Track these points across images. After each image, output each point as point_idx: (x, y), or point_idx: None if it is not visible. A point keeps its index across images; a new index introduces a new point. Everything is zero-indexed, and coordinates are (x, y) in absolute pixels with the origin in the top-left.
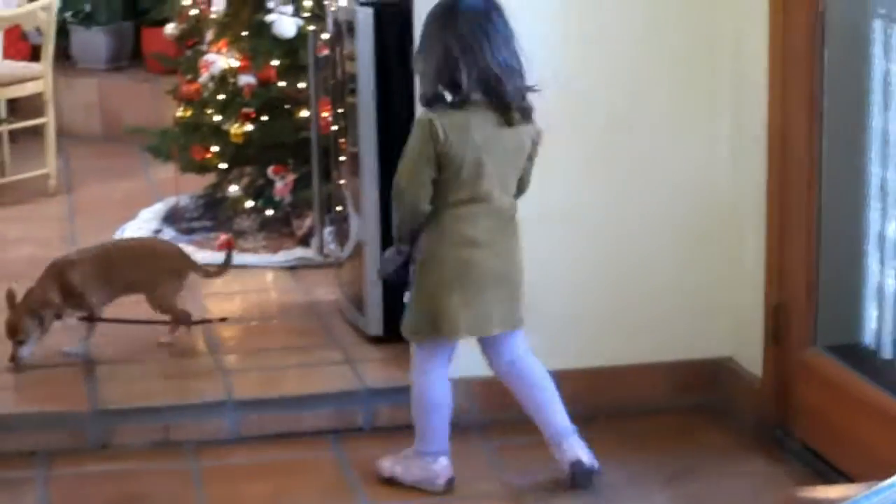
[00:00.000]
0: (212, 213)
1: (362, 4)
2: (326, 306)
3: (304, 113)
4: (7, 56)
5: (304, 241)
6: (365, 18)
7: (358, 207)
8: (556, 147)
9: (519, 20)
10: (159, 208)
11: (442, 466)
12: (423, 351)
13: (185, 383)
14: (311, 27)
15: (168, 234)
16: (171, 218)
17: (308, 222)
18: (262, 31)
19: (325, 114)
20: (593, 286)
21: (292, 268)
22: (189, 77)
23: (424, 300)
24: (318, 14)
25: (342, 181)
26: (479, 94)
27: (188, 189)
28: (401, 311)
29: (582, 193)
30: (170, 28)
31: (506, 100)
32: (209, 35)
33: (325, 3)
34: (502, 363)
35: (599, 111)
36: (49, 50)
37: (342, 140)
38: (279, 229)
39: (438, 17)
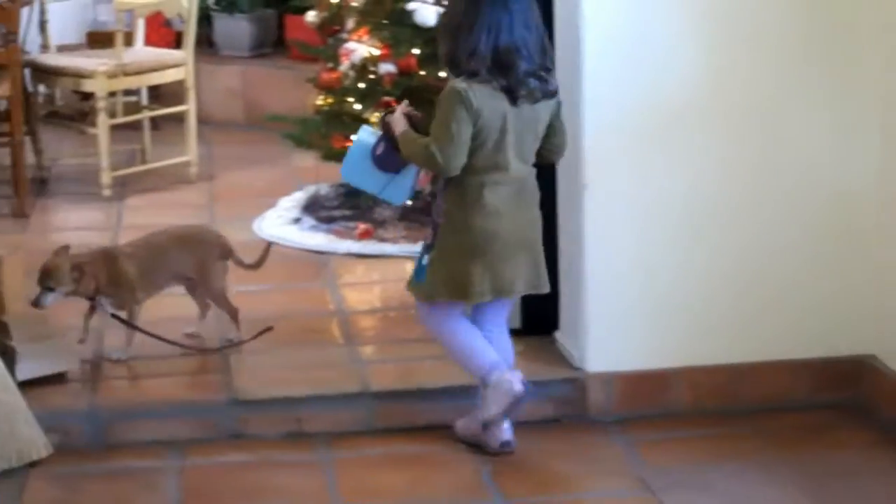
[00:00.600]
0: (352, 203)
1: None
2: None
3: None
4: (150, 43)
5: None
6: None
7: None
8: (683, 137)
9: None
10: (299, 197)
11: (501, 430)
12: (437, 310)
13: (319, 373)
14: None
15: (308, 222)
16: (310, 207)
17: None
18: (404, 19)
19: None
20: (730, 280)
21: None
22: (330, 65)
23: (447, 265)
24: None
25: None
26: (489, 69)
27: (328, 178)
28: (542, 303)
29: (715, 185)
30: (311, 16)
31: (513, 81)
32: (350, 23)
33: None
34: (483, 328)
35: (731, 101)
36: (190, 37)
37: None
38: (420, 219)
39: None
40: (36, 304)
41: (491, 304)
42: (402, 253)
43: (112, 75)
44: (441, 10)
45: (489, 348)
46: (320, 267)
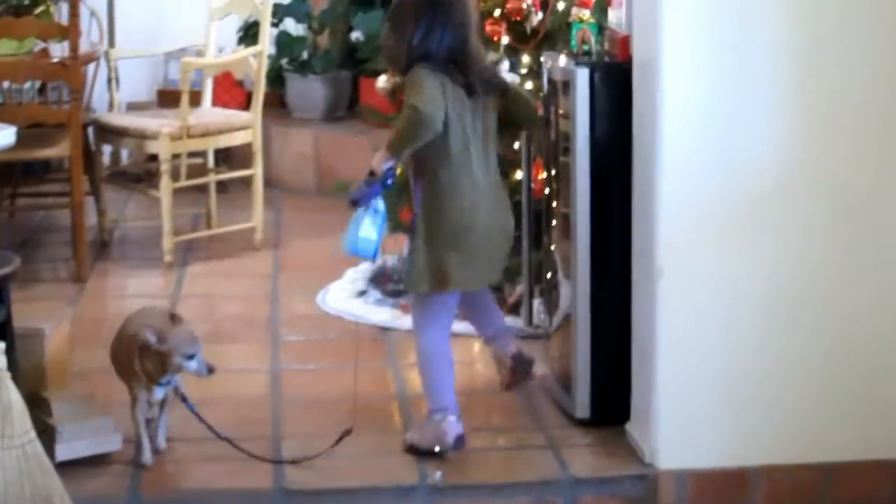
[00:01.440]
0: None
1: (578, 64)
2: (533, 382)
3: (520, 175)
4: (221, 102)
5: (515, 310)
6: (582, 79)
7: (568, 275)
8: (766, 220)
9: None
10: (366, 268)
11: (450, 424)
12: (422, 305)
13: (374, 463)
14: (529, 84)
15: (373, 296)
16: (377, 279)
17: (519, 290)
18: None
19: (540, 176)
20: (815, 372)
21: None
22: None
23: (429, 253)
24: (536, 70)
25: (553, 247)
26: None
27: (396, 250)
28: (613, 392)
29: (800, 271)
30: (381, 81)
31: (469, 76)
32: None
33: (542, 59)
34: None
35: (821, 182)
36: (258, 99)
37: (554, 204)
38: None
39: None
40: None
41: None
42: (468, 331)
43: (176, 137)
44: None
45: (452, 385)
46: (384, 344)
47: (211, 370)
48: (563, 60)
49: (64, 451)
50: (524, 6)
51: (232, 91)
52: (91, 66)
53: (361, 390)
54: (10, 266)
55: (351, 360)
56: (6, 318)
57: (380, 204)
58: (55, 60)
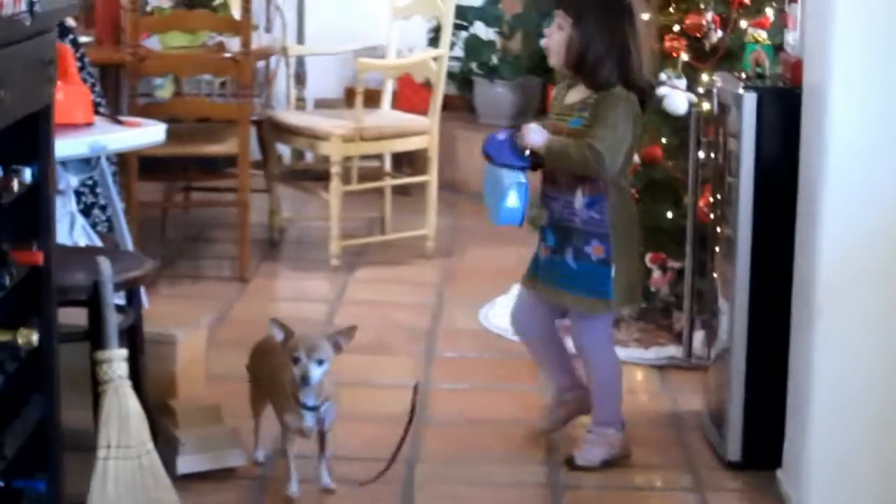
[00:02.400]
0: None
1: (746, 88)
2: (689, 417)
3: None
4: (408, 104)
5: (680, 339)
6: (749, 104)
7: (728, 304)
8: None
9: None
10: None
11: (623, 437)
12: (603, 322)
13: (509, 495)
14: (706, 105)
15: None
16: None
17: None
18: (652, 105)
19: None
20: None
21: (662, 367)
22: None
23: (627, 272)
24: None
25: (715, 274)
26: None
27: None
28: (765, 435)
29: None
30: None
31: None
32: None
33: (713, 79)
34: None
35: None
36: (436, 104)
37: (718, 229)
38: (658, 320)
39: (619, 10)
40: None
41: None
42: (630, 359)
43: (349, 139)
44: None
45: None
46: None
47: (305, 379)
48: (733, 82)
49: (185, 464)
50: (704, 22)
51: (420, 93)
52: (273, 62)
53: (506, 414)
54: (139, 269)
55: (500, 381)
56: (135, 323)
57: (522, 177)
58: (227, 55)
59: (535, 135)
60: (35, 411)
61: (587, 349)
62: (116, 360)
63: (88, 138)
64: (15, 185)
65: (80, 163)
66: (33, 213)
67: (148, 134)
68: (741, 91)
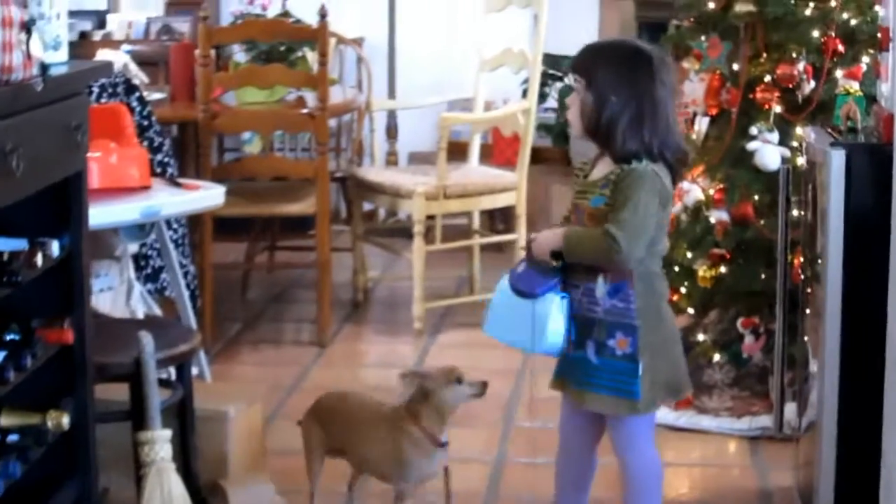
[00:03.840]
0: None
1: (833, 145)
2: (780, 495)
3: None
4: (503, 158)
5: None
6: (837, 162)
7: (818, 369)
8: None
9: None
10: None
11: None
12: (644, 421)
13: None
14: (799, 160)
15: None
16: None
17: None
18: (743, 160)
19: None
20: None
21: (755, 438)
22: None
23: (660, 364)
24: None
25: (806, 338)
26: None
27: None
28: None
29: None
30: None
31: (676, 161)
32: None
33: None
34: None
35: None
36: (524, 158)
37: (809, 290)
38: (753, 386)
39: (638, 63)
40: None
41: None
42: (721, 429)
43: (431, 197)
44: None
45: None
46: None
47: (485, 386)
48: (822, 137)
49: None
50: (795, 72)
51: (514, 146)
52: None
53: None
54: (187, 342)
55: None
56: (185, 399)
57: (558, 292)
58: (305, 111)
59: (547, 242)
60: (68, 497)
61: (620, 453)
62: (159, 441)
63: (141, 203)
64: (39, 259)
65: (135, 228)
66: (65, 287)
67: (207, 197)
68: (828, 148)
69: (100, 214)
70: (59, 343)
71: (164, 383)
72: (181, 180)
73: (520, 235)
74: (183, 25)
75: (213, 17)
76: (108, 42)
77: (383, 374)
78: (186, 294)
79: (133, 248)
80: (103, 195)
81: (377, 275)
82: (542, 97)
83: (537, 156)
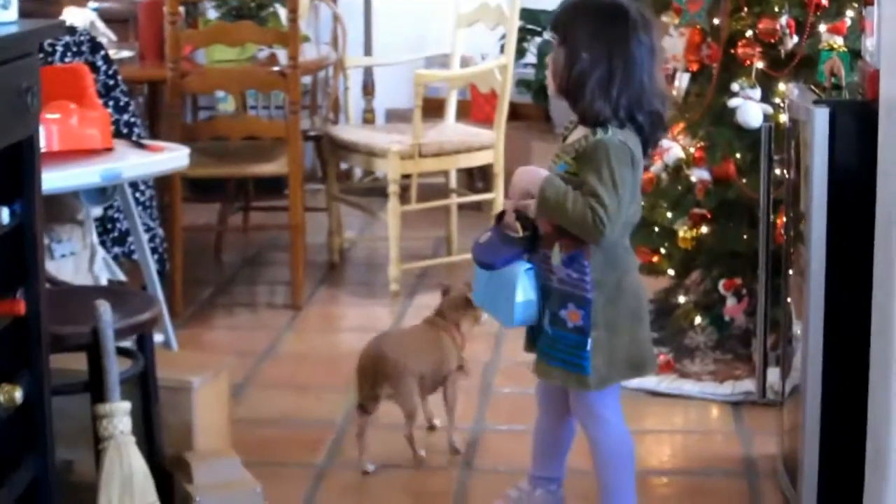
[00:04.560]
0: (663, 322)
1: (817, 103)
2: (764, 463)
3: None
4: (481, 116)
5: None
6: (820, 120)
7: (802, 332)
8: None
9: None
10: None
11: None
12: (603, 396)
13: None
14: (782, 117)
15: None
16: None
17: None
18: (724, 117)
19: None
20: None
21: (738, 403)
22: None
23: (621, 338)
24: None
25: (789, 300)
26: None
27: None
28: (843, 486)
29: None
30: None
31: (655, 126)
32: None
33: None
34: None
35: None
36: (501, 116)
37: (792, 251)
38: (736, 349)
39: (614, 20)
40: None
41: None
42: (704, 394)
43: (407, 156)
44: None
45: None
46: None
47: None
48: (805, 95)
49: None
50: (778, 27)
51: (492, 102)
52: (332, 71)
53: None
54: (148, 311)
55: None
56: (146, 370)
57: (524, 263)
58: (276, 69)
59: (524, 182)
60: (27, 472)
61: (583, 427)
62: (118, 414)
63: (101, 166)
64: None
65: (96, 191)
66: (17, 256)
67: (170, 159)
68: (811, 106)
69: (58, 178)
70: (11, 315)
71: (125, 353)
72: (145, 142)
73: (498, 194)
74: None
75: None
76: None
77: (356, 337)
78: (152, 259)
79: (97, 211)
80: (63, 158)
81: (354, 235)
82: (521, 53)
83: (516, 112)
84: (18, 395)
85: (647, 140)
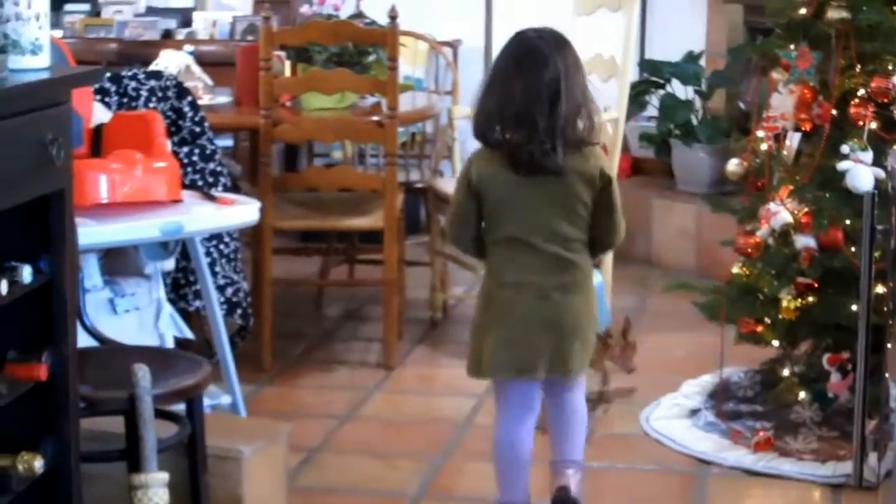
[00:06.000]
0: (769, 394)
1: None
2: None
3: (880, 289)
4: None
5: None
6: None
7: None
8: None
9: None
10: (706, 381)
11: None
12: (494, 393)
13: None
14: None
15: (705, 417)
16: (717, 395)
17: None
18: (834, 181)
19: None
20: None
21: (839, 486)
22: (749, 227)
23: (473, 339)
24: None
25: (887, 375)
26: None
27: (746, 360)
28: None
29: None
30: (732, 164)
31: (515, 150)
32: (775, 177)
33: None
34: (552, 402)
35: None
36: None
37: (893, 325)
38: (843, 426)
39: (507, 44)
40: None
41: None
42: (804, 475)
43: None
44: None
45: (517, 481)
46: (693, 483)
47: None
48: None
49: None
50: (891, 86)
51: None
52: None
53: None
54: (194, 375)
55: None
56: (193, 436)
57: None
58: (374, 119)
59: None
60: None
61: None
62: (154, 486)
63: (162, 219)
64: (4, 286)
65: (157, 246)
66: (44, 315)
67: (238, 213)
68: None
69: (116, 231)
70: (31, 379)
71: (173, 418)
72: (217, 194)
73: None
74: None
75: (291, 18)
76: (173, 42)
77: (448, 402)
78: (233, 314)
79: (169, 264)
80: (127, 209)
81: (460, 292)
82: (642, 106)
83: (638, 167)
84: (38, 464)
85: (516, 159)
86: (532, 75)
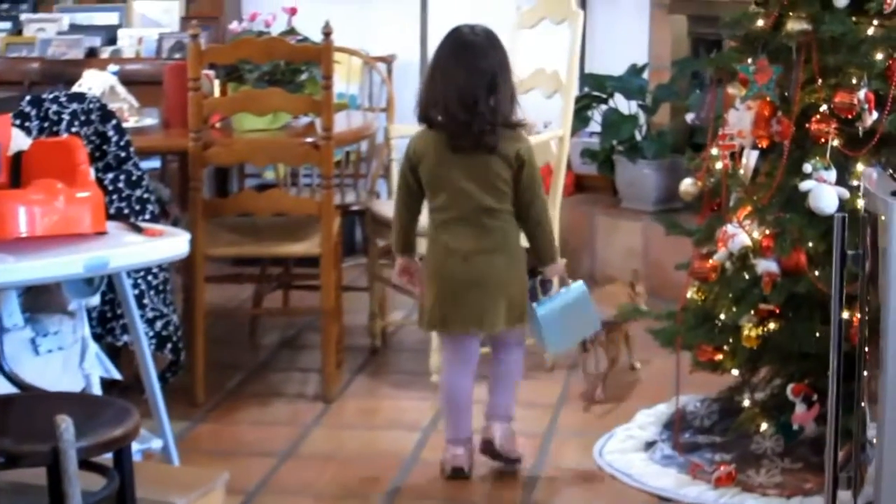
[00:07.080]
0: (727, 425)
1: (895, 194)
2: None
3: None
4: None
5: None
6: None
7: (875, 445)
8: None
9: None
10: (662, 411)
11: (452, 455)
12: (444, 343)
13: None
14: (860, 202)
15: (662, 450)
16: (673, 426)
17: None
18: (796, 201)
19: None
20: None
21: None
22: (704, 250)
23: (422, 297)
24: None
25: (863, 405)
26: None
27: (703, 388)
28: None
29: None
30: (686, 184)
31: (459, 129)
32: (733, 197)
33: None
34: (492, 358)
35: None
36: (556, 193)
37: (867, 351)
38: (807, 457)
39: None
40: None
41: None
42: None
43: None
44: None
45: (462, 420)
46: None
47: None
48: (883, 182)
49: None
50: (855, 101)
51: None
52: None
53: None
54: (123, 425)
55: None
56: (122, 489)
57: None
58: (309, 140)
59: None
60: None
61: None
62: None
63: (86, 254)
64: None
65: (80, 282)
66: None
67: (166, 247)
68: (889, 199)
69: (37, 268)
70: None
71: (100, 470)
72: (144, 225)
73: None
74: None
75: (220, 36)
76: (98, 61)
77: (390, 436)
78: (148, 351)
79: (94, 300)
80: (49, 243)
81: (401, 318)
82: (585, 121)
83: (581, 184)
84: None
85: (453, 137)
86: (472, 65)
